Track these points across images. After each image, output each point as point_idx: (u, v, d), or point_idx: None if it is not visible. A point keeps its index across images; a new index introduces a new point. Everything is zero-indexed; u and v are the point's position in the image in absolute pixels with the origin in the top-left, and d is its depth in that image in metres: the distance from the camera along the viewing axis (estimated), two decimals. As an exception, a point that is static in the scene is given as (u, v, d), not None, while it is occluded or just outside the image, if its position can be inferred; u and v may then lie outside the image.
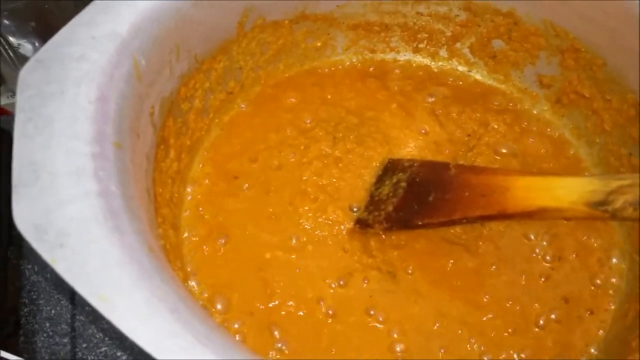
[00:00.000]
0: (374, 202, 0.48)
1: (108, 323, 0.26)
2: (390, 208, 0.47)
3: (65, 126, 0.31)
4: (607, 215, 0.39)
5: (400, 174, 0.49)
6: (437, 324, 0.43)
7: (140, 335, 0.26)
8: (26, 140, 0.31)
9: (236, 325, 0.42)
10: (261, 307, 0.43)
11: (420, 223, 0.46)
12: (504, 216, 0.44)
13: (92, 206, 0.29)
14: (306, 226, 0.47)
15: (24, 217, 0.29)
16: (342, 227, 0.47)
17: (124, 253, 0.28)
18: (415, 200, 0.47)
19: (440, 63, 0.59)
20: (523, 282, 0.46)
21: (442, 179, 0.47)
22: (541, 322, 0.44)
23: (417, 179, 0.48)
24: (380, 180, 0.50)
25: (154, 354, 0.26)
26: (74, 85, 0.33)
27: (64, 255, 0.28)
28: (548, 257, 0.47)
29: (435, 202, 0.46)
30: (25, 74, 0.33)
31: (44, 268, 0.48)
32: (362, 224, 0.47)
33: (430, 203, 0.46)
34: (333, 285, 0.44)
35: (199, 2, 0.41)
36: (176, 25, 0.40)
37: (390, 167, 0.50)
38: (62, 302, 0.47)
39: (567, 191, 0.41)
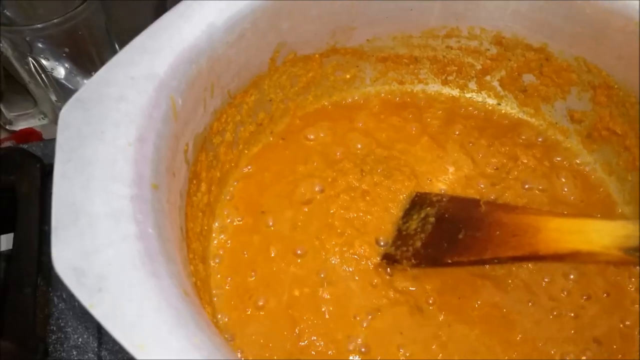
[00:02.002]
0: (401, 237, 0.48)
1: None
2: (419, 244, 0.46)
3: (105, 168, 0.32)
4: (643, 261, 0.38)
5: (429, 208, 0.49)
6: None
7: (176, 385, 0.26)
8: (65, 182, 0.31)
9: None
10: (289, 346, 0.43)
11: (449, 261, 0.45)
12: (535, 258, 0.43)
13: (130, 250, 0.29)
14: (333, 261, 0.47)
15: (63, 259, 0.29)
16: (369, 262, 0.47)
17: (161, 298, 0.28)
18: (444, 237, 0.46)
19: (469, 95, 0.59)
20: (553, 322, 0.45)
21: (472, 216, 0.47)
22: (572, 364, 0.43)
23: (446, 215, 0.48)
24: (407, 214, 0.49)
25: (189, 404, 0.26)
26: (113, 126, 0.33)
27: (101, 300, 0.28)
28: (578, 296, 0.46)
29: (465, 240, 0.45)
30: (66, 114, 0.34)
31: (72, 296, 0.48)
32: (389, 259, 0.47)
33: (460, 241, 0.45)
34: (362, 322, 0.44)
35: (233, 42, 0.41)
36: (212, 64, 0.40)
37: (418, 201, 0.50)
38: (90, 330, 0.47)
39: (600, 235, 0.40)
